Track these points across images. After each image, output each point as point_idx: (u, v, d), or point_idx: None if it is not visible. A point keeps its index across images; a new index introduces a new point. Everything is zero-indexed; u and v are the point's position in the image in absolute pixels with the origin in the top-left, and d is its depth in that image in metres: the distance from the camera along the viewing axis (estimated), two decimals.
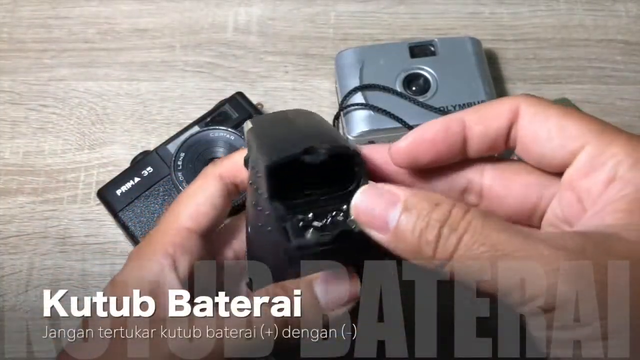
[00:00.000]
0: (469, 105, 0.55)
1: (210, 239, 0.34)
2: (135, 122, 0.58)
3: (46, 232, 0.53)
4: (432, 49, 0.57)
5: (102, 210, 0.53)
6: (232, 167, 0.34)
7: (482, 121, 0.29)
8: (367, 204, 0.26)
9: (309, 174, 0.28)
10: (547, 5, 0.64)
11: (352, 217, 0.27)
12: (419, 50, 0.57)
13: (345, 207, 0.28)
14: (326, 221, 0.28)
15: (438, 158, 0.30)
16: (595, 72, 0.61)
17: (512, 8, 0.64)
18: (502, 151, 0.30)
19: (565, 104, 0.50)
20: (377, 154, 0.31)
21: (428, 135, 0.29)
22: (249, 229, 0.32)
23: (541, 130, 0.28)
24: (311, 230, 0.27)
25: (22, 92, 0.60)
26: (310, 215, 0.28)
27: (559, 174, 0.29)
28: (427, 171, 0.31)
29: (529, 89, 0.60)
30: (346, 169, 0.28)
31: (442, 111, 0.54)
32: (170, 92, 0.60)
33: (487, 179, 0.30)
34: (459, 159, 0.30)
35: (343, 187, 0.29)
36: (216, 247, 0.35)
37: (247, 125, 0.33)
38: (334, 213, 0.28)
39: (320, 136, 0.29)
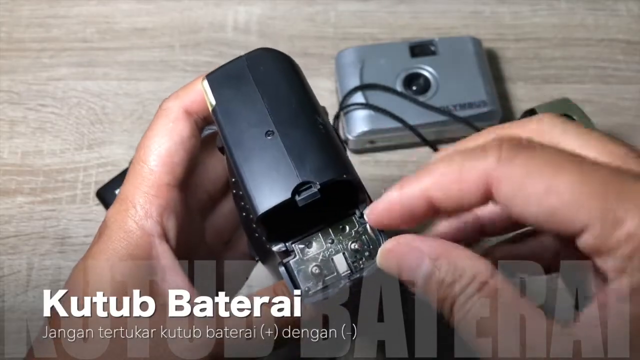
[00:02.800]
0: (470, 105, 0.55)
1: (185, 187, 0.31)
2: (134, 121, 0.58)
3: (45, 232, 0.53)
4: (433, 48, 0.57)
5: (101, 210, 0.53)
6: (197, 98, 0.31)
7: (449, 199, 0.24)
8: (392, 263, 0.25)
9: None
10: (548, 5, 0.64)
11: (378, 265, 0.26)
12: (420, 49, 0.57)
13: (350, 245, 0.27)
14: (330, 271, 0.27)
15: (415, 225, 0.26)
16: (597, 71, 0.60)
17: (513, 7, 0.64)
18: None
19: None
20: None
21: (394, 213, 0.26)
22: (238, 212, 0.31)
23: (527, 215, 0.23)
24: (319, 283, 0.27)
25: (21, 91, 0.60)
26: (314, 267, 0.27)
27: None
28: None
29: (530, 88, 0.60)
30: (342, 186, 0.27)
31: (443, 111, 0.54)
32: (170, 91, 0.58)
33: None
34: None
35: (342, 202, 0.27)
36: (190, 194, 0.32)
37: (208, 94, 0.29)
38: (335, 256, 0.27)
39: (306, 150, 0.26)
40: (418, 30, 0.63)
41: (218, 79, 0.29)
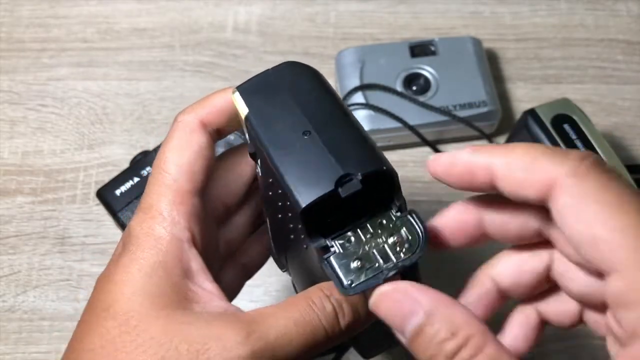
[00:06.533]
0: (470, 105, 0.55)
1: (203, 196, 0.32)
2: (135, 122, 0.58)
3: (45, 232, 0.53)
4: (433, 48, 0.57)
5: (101, 210, 0.53)
6: (212, 111, 0.32)
7: (510, 184, 0.25)
8: (384, 308, 0.25)
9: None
10: (548, 5, 0.64)
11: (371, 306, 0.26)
12: (420, 49, 0.57)
13: (388, 239, 0.27)
14: (372, 263, 0.27)
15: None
16: (597, 71, 0.60)
17: (513, 7, 0.64)
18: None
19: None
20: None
21: (454, 170, 0.27)
22: (268, 218, 0.31)
23: (572, 232, 0.24)
24: (361, 276, 0.27)
25: (21, 91, 0.60)
26: (355, 261, 0.27)
27: None
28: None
29: (530, 88, 0.60)
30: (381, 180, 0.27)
31: (443, 111, 0.54)
32: (170, 91, 0.60)
33: (557, 266, 0.28)
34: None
35: (379, 195, 0.28)
36: (207, 204, 0.33)
37: (239, 104, 0.30)
38: (375, 250, 0.27)
39: (344, 145, 0.27)
40: (418, 30, 0.63)
41: (248, 89, 0.30)
